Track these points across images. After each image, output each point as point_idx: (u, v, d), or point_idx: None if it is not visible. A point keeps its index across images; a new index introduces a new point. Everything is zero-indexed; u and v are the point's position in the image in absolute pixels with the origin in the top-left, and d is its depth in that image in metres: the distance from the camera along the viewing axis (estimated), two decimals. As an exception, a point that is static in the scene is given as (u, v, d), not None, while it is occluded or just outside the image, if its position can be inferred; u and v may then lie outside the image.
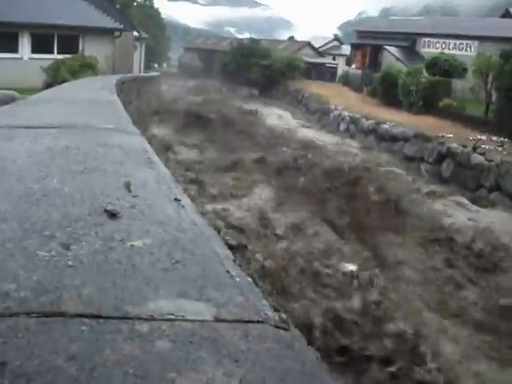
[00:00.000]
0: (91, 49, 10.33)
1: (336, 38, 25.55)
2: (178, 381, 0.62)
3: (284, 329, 0.76)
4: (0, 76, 8.39)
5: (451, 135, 7.94)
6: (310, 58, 20.02)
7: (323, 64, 20.11)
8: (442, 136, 7.94)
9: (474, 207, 6.12)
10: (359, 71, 15.77)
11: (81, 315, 0.75)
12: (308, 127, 11.92)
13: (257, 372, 0.65)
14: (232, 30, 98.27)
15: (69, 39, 10.46)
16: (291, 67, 17.68)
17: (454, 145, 7.47)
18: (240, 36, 36.85)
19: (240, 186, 5.99)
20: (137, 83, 9.99)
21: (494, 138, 7.74)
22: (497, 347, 3.00)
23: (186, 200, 1.38)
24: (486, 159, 6.79)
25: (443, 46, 14.25)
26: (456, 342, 2.98)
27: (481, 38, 13.04)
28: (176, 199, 1.35)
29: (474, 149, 7.09)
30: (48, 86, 7.63)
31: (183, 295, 0.83)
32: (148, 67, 20.58)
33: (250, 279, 0.92)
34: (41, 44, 10.17)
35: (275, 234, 4.25)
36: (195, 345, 0.70)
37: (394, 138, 9.10)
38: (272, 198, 5.58)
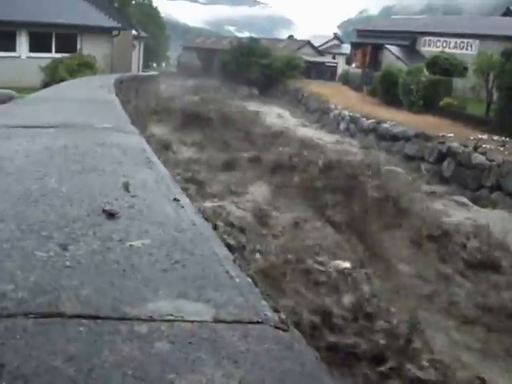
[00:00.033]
0: (89, 48, 10.30)
1: (336, 37, 25.54)
2: (177, 382, 0.62)
3: (283, 330, 0.75)
4: (-2, 75, 8.42)
5: (452, 134, 7.93)
6: (309, 56, 20.02)
7: (323, 63, 20.14)
8: (443, 135, 7.93)
9: (475, 207, 6.14)
10: (359, 70, 15.75)
11: (79, 316, 0.74)
12: (308, 126, 11.91)
13: (256, 373, 0.65)
14: (232, 28, 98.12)
15: (67, 38, 10.43)
16: (291, 66, 17.68)
17: (455, 144, 7.46)
18: (240, 35, 36.82)
19: (243, 183, 5.99)
20: (135, 82, 9.98)
21: (495, 138, 7.72)
22: (483, 339, 3.03)
23: (185, 200, 1.38)
24: (487, 159, 6.78)
25: (444, 44, 14.21)
26: (445, 333, 3.01)
27: (482, 37, 13.00)
28: (175, 199, 1.35)
29: (475, 148, 7.08)
30: (46, 85, 7.60)
31: (182, 296, 0.82)
32: (147, 66, 20.55)
33: (249, 280, 0.91)
34: (39, 43, 10.13)
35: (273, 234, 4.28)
36: (194, 346, 0.69)
37: (394, 138, 9.09)
38: (269, 195, 5.63)
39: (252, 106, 13.56)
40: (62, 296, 0.79)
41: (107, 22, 11.00)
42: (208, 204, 4.38)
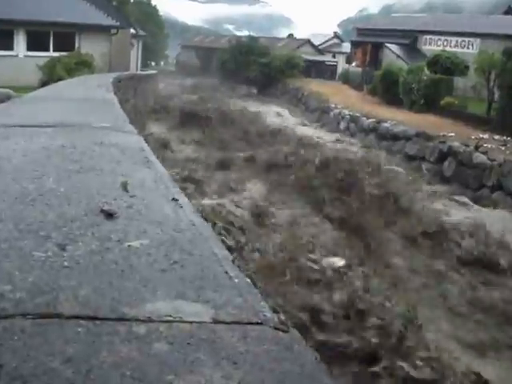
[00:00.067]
0: (87, 46, 10.26)
1: (336, 36, 25.46)
2: (175, 383, 0.62)
3: (283, 330, 0.75)
4: (-5, 74, 8.38)
5: (453, 134, 7.89)
6: (309, 55, 19.98)
7: (323, 62, 20.07)
8: (444, 135, 7.89)
9: (476, 206, 6.12)
10: (359, 69, 15.67)
11: (77, 317, 0.74)
12: (307, 126, 11.90)
13: (256, 374, 0.65)
14: (231, 27, 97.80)
15: (65, 36, 10.39)
16: (290, 65, 17.64)
17: (456, 144, 7.42)
18: (239, 33, 36.69)
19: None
20: (134, 81, 9.95)
21: (497, 137, 7.69)
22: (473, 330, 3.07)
23: (183, 200, 1.37)
24: (489, 158, 6.75)
25: (445, 43, 14.12)
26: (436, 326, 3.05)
27: (483, 36, 12.91)
28: (174, 199, 1.34)
29: (476, 148, 7.04)
30: (44, 84, 7.58)
31: (181, 296, 0.82)
32: (145, 65, 20.49)
33: (248, 280, 0.91)
34: (36, 41, 10.09)
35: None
36: (193, 347, 0.69)
37: (394, 137, 9.06)
38: (267, 193, 5.64)
39: (251, 106, 13.54)
40: (60, 296, 0.79)
41: (105, 20, 10.96)
42: (207, 201, 4.40)
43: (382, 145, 9.31)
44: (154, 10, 27.51)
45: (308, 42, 22.78)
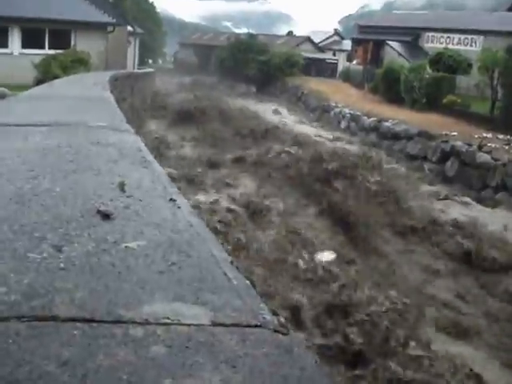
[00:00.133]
0: (83, 44, 10.17)
1: (337, 33, 25.31)
2: (173, 387, 0.61)
3: (283, 333, 0.74)
4: (-10, 72, 8.30)
5: (455, 133, 7.80)
6: (309, 53, 19.85)
7: (323, 60, 19.90)
8: (446, 134, 7.80)
9: (479, 207, 6.07)
10: (360, 67, 15.56)
11: (73, 319, 0.73)
12: (307, 125, 11.85)
13: (255, 377, 0.64)
14: (229, 24, 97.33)
15: (60, 34, 10.30)
16: (290, 63, 17.55)
17: (459, 143, 7.33)
18: (237, 31, 36.54)
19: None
20: (131, 80, 9.88)
21: (501, 136, 7.59)
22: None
23: (181, 200, 1.36)
24: (492, 158, 6.68)
25: (447, 40, 13.95)
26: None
27: (486, 33, 12.73)
28: (171, 199, 1.33)
29: (480, 147, 6.97)
30: (39, 82, 7.49)
31: (179, 298, 0.81)
32: (142, 63, 20.34)
33: (247, 282, 0.90)
34: (31, 39, 10.00)
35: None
36: (191, 350, 0.68)
37: (396, 136, 8.98)
38: (265, 190, 5.75)
39: (250, 104, 13.50)
40: (55, 299, 0.78)
41: (102, 17, 10.87)
42: (202, 197, 4.47)
43: (383, 144, 9.22)
44: (152, 6, 27.31)
45: (308, 39, 22.60)
